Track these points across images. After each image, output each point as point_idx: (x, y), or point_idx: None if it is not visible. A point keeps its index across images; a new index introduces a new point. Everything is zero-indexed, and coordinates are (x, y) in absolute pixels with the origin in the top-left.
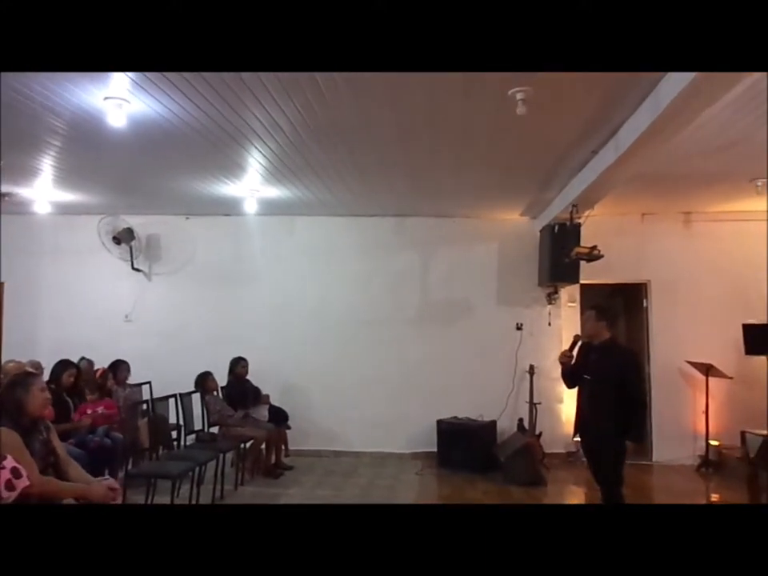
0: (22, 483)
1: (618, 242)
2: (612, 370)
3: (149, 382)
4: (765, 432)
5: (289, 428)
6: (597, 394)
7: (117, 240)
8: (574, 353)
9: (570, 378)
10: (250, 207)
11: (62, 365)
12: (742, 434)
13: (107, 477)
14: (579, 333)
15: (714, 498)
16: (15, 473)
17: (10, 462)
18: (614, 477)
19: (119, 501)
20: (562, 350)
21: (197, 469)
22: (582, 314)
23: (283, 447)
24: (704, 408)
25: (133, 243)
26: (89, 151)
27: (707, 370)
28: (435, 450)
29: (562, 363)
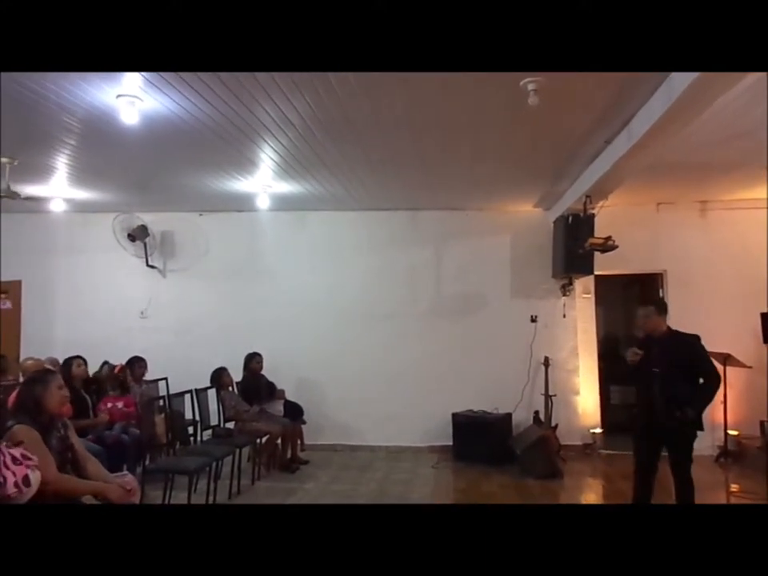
0: (38, 478)
1: (633, 233)
2: (682, 357)
3: (165, 378)
4: None
5: (304, 422)
6: (670, 385)
7: (132, 237)
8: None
9: (635, 375)
10: (263, 203)
11: (69, 359)
12: (761, 423)
13: (125, 473)
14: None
15: (734, 488)
16: (29, 466)
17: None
18: (688, 465)
19: (137, 498)
20: (631, 349)
21: (213, 464)
22: (597, 306)
23: (299, 442)
24: (722, 398)
25: (147, 240)
26: (103, 149)
27: (725, 359)
28: (451, 443)
29: (632, 362)
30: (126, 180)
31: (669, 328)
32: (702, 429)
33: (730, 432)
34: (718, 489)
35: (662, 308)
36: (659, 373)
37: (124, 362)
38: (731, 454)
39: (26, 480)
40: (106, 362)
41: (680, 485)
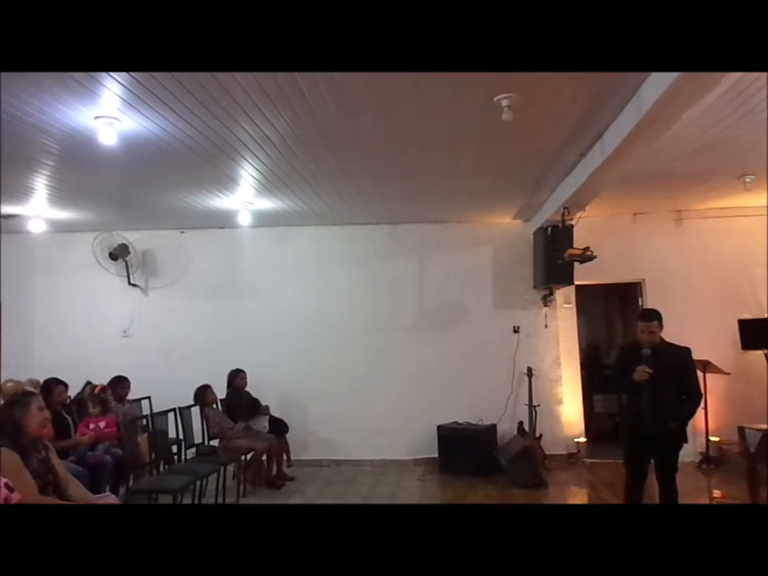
0: (15, 497)
1: (611, 243)
2: (672, 368)
3: (148, 397)
4: (764, 426)
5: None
6: (660, 395)
7: (113, 256)
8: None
9: (623, 384)
10: (244, 220)
11: (50, 383)
12: (740, 429)
13: (108, 494)
14: (634, 341)
15: (716, 494)
16: (8, 488)
17: (1, 479)
18: (674, 474)
19: None
20: (640, 368)
21: (198, 482)
22: (578, 315)
23: (285, 457)
24: (703, 404)
25: (128, 259)
26: (82, 170)
27: (704, 366)
28: (436, 455)
29: (640, 379)
30: (106, 199)
31: (661, 338)
32: (686, 441)
33: (711, 438)
34: (701, 495)
35: (661, 320)
36: (648, 383)
37: (105, 383)
38: (713, 460)
39: (8, 500)
40: (88, 383)
41: (665, 493)
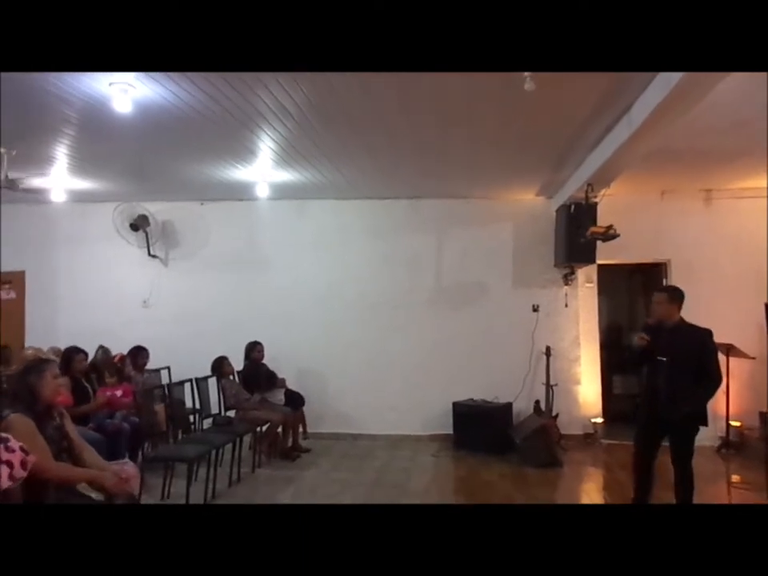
0: (31, 459)
1: (637, 221)
2: (690, 350)
3: (168, 367)
4: None
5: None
6: (676, 376)
7: (134, 227)
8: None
9: (640, 360)
10: (262, 192)
11: (70, 351)
12: (761, 414)
13: (126, 460)
14: (649, 317)
15: (735, 479)
16: (24, 450)
17: (15, 444)
18: (689, 458)
19: (136, 486)
20: (639, 333)
21: (213, 452)
22: (600, 295)
23: (301, 430)
24: (725, 388)
25: (149, 230)
26: (101, 139)
27: (728, 350)
28: (451, 432)
29: (638, 346)
30: (126, 169)
31: (681, 318)
32: (705, 424)
33: (732, 423)
34: (719, 480)
35: (675, 296)
36: (666, 363)
37: (125, 352)
38: (733, 445)
39: (24, 464)
40: (101, 347)
41: (680, 478)
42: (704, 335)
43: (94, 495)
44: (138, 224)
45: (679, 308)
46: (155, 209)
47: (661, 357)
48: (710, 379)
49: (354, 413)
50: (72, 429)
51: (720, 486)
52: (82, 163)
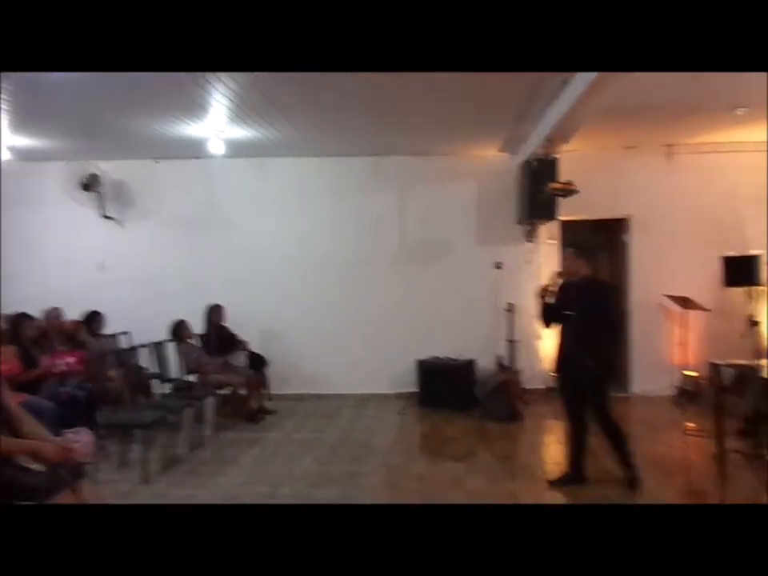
0: None
1: (599, 177)
2: (592, 304)
3: (127, 332)
4: (737, 362)
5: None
6: (579, 330)
7: (85, 186)
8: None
9: (548, 315)
10: (217, 149)
11: (18, 318)
12: (711, 364)
13: (80, 428)
14: (559, 270)
15: (690, 426)
16: None
17: None
18: (605, 410)
19: (89, 454)
20: (541, 286)
21: (172, 416)
22: (562, 251)
23: (265, 391)
24: (681, 340)
25: (101, 189)
26: (43, 92)
27: (685, 302)
28: (417, 389)
29: (541, 297)
30: (72, 126)
31: (589, 274)
32: (610, 376)
33: (688, 373)
34: (674, 427)
35: (581, 251)
36: (570, 317)
37: (79, 317)
38: (688, 394)
39: None
40: (53, 308)
41: (603, 429)
42: (605, 288)
43: (35, 467)
44: (90, 183)
45: (587, 263)
46: (108, 167)
47: (568, 312)
48: (607, 329)
49: (319, 373)
50: (9, 399)
51: (675, 433)
52: (23, 118)
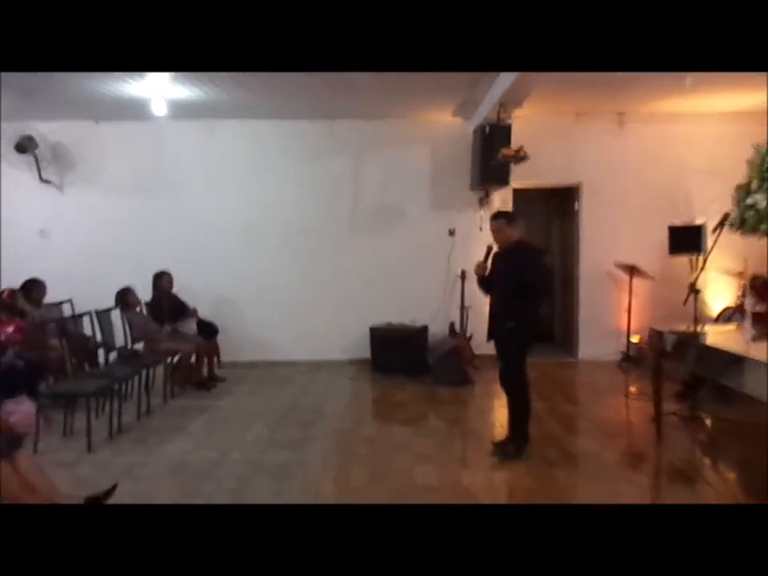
0: None
1: (552, 144)
2: (513, 270)
3: (69, 300)
4: (677, 329)
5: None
6: (504, 296)
7: (20, 148)
8: (488, 264)
9: (484, 286)
10: (159, 109)
11: None
12: (651, 329)
13: (23, 398)
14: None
15: (632, 390)
16: None
17: None
18: (519, 380)
19: (32, 424)
20: (478, 261)
21: (117, 385)
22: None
23: (215, 359)
24: (627, 306)
25: (37, 152)
26: None
27: (631, 270)
28: (370, 356)
29: (477, 274)
30: (3, 83)
31: (519, 241)
32: (530, 339)
33: (632, 339)
34: (617, 391)
35: (510, 220)
36: (497, 285)
37: (18, 286)
38: (632, 359)
39: None
40: None
41: (507, 390)
42: (529, 253)
43: None
44: (25, 145)
45: (517, 230)
46: (44, 129)
47: (498, 281)
48: (530, 295)
49: (272, 340)
50: None
51: (618, 397)
52: None
